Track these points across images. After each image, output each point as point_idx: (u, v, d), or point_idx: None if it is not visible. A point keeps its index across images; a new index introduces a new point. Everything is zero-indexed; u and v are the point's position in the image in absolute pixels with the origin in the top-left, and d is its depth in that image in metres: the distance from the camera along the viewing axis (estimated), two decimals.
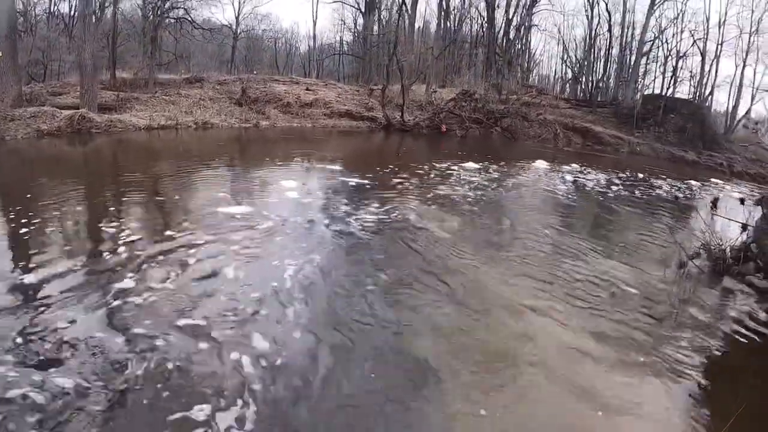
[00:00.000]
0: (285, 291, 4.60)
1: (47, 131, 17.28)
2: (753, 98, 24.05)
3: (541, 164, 13.53)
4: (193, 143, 16.18)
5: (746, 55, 23.39)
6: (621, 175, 13.55)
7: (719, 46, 23.70)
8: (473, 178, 10.75)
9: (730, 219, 7.29)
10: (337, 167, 11.10)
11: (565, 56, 26.21)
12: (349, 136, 17.26)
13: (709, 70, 24.04)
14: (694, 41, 24.21)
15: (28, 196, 7.35)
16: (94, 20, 19.84)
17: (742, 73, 23.74)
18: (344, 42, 22.24)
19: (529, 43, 25.12)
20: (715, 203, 10.53)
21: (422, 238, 6.33)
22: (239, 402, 3.14)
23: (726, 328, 4.75)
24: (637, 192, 11.37)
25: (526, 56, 24.69)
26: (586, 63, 24.35)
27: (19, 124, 16.90)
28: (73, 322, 3.84)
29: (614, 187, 11.70)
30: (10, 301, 4.09)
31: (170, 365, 3.41)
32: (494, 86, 20.48)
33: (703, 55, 24.04)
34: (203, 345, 3.66)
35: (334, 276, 5.01)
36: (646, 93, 25.17)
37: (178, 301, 4.27)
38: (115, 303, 4.15)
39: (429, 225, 6.96)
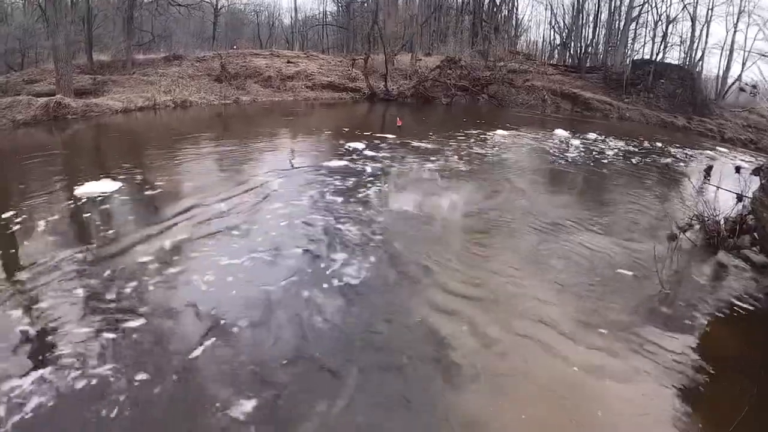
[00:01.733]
0: None
1: (23, 121, 16.85)
2: (744, 63, 23.68)
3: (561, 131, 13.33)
4: (172, 124, 15.81)
5: (737, 20, 22.96)
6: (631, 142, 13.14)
7: (710, 11, 23.24)
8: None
9: (724, 189, 6.86)
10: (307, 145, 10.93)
11: (553, 22, 25.70)
12: (331, 108, 16.91)
13: (700, 35, 23.60)
14: (684, 5, 23.70)
15: None
16: (69, 3, 19.28)
17: (733, 37, 23.33)
18: (328, 13, 21.72)
19: (516, 9, 24.60)
20: (708, 172, 10.13)
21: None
22: None
23: (718, 307, 4.39)
24: (635, 159, 11.08)
25: (513, 22, 24.17)
26: (574, 28, 23.85)
27: None
28: None
29: (610, 152, 11.50)
30: None
31: None
32: (480, 53, 20.06)
33: (693, 19, 23.57)
34: None
35: None
36: (635, 58, 24.76)
37: None
38: None
39: None
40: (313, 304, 4.01)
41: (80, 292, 4.18)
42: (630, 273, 4.82)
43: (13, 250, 5.00)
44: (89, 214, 6.00)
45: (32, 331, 3.63)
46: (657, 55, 24.88)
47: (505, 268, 4.79)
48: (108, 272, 4.50)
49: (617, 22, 24.75)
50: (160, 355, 3.38)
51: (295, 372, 3.25)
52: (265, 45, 20.26)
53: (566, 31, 24.48)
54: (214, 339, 3.56)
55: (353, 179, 7.56)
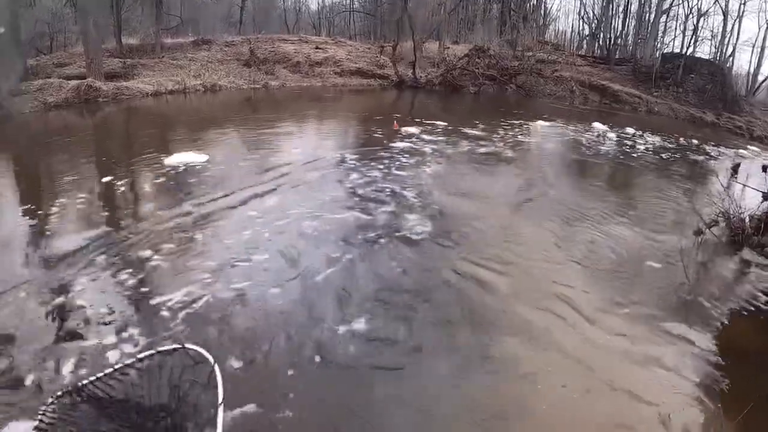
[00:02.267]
0: None
1: (54, 103, 17.12)
2: None
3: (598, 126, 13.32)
4: (204, 107, 16.03)
5: None
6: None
7: (742, 5, 22.67)
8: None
9: (750, 187, 6.83)
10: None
11: (582, 12, 25.30)
12: (361, 94, 16.95)
13: (731, 30, 23.05)
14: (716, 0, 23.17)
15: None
16: None
17: (765, 34, 22.77)
18: None
19: None
20: (735, 169, 10.06)
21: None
22: None
23: (740, 304, 4.44)
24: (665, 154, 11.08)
25: (542, 11, 23.85)
26: (603, 19, 23.47)
27: (26, 98, 16.73)
28: None
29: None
30: None
31: None
32: (509, 42, 19.87)
33: (725, 13, 23.03)
34: None
35: None
36: (665, 52, 24.28)
37: None
38: None
39: None
40: (388, 247, 5.06)
41: (209, 232, 5.15)
42: (654, 264, 4.96)
43: (132, 204, 6.04)
44: (191, 178, 6.89)
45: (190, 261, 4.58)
46: (687, 49, 24.38)
47: (536, 249, 5.12)
48: (224, 221, 5.46)
49: (647, 14, 24.28)
50: (287, 274, 4.39)
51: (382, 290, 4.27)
52: (291, 30, 20.27)
53: (595, 21, 24.11)
54: (318, 266, 4.56)
55: (416, 158, 8.41)
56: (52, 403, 2.36)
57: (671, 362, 3.48)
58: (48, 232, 5.11)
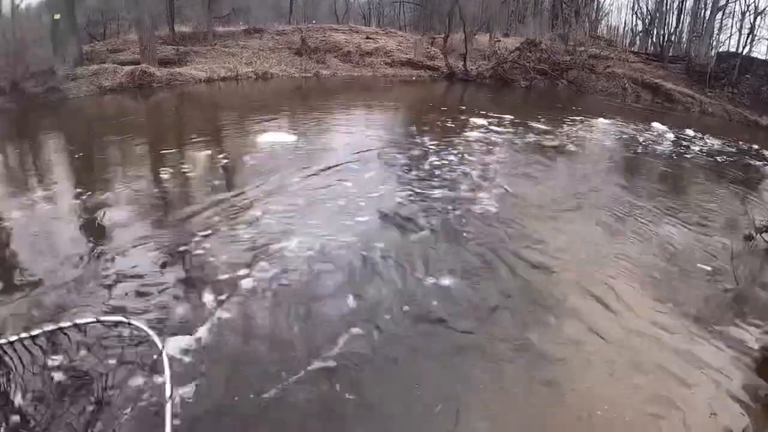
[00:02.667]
0: None
1: (109, 87, 17.75)
2: None
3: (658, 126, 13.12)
4: (257, 93, 16.40)
5: None
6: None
7: None
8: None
9: None
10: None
11: (636, 7, 24.60)
12: (413, 85, 17.00)
13: None
14: None
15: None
16: None
17: None
18: None
19: None
20: None
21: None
22: None
23: None
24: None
25: (595, 5, 23.32)
26: (657, 15, 22.78)
27: (82, 82, 17.39)
28: None
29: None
30: None
31: None
32: (560, 36, 19.53)
33: None
34: None
35: None
36: (720, 50, 23.41)
37: None
38: None
39: None
40: (463, 220, 5.80)
41: (311, 198, 6.02)
42: (703, 265, 5.08)
43: (239, 175, 6.94)
44: (287, 155, 7.82)
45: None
46: (743, 48, 23.46)
47: (586, 239, 5.44)
48: (323, 190, 6.34)
49: (703, 11, 23.45)
50: (379, 234, 5.21)
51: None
52: (341, 21, 20.40)
53: (649, 17, 23.43)
54: (408, 228, 5.39)
55: (487, 146, 9.01)
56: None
57: (715, 361, 3.57)
58: (172, 197, 6.02)
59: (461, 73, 17.56)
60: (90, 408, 2.21)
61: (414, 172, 7.23)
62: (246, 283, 4.10)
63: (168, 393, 2.02)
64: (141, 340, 2.29)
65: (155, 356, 2.16)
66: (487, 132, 10.06)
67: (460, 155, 8.22)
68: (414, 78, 17.67)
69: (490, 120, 11.10)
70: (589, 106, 15.12)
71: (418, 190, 6.49)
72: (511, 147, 9.16)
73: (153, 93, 17.02)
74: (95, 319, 2.27)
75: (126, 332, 2.26)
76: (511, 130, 10.41)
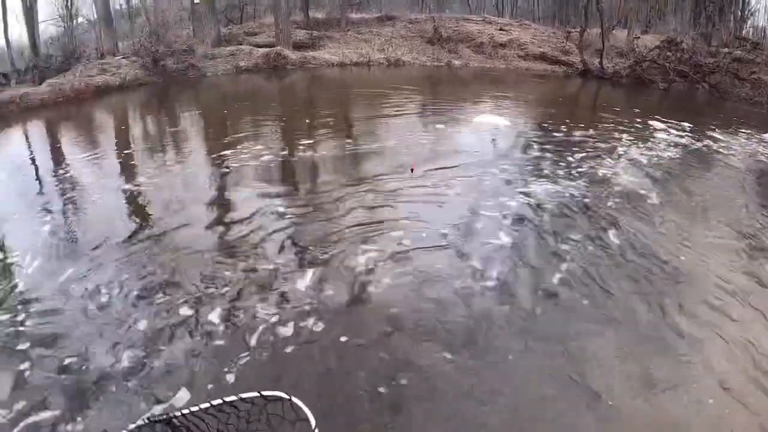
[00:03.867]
0: None
1: (245, 67, 19.46)
2: None
3: None
4: (388, 79, 17.40)
5: None
6: None
7: None
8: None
9: None
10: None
11: None
12: (544, 80, 17.20)
13: None
14: None
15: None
16: None
17: None
18: None
19: None
20: None
21: None
22: None
23: None
24: None
25: (741, 3, 21.79)
26: None
27: (219, 62, 19.20)
28: None
29: None
30: None
31: None
32: (703, 36, 18.66)
33: None
34: None
35: None
36: None
37: None
38: None
39: None
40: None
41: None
42: None
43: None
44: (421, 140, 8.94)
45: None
46: None
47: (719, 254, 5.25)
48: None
49: None
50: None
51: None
52: (474, 11, 20.72)
53: None
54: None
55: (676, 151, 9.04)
56: (139, 427, 2.34)
57: None
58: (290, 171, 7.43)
59: (596, 71, 17.49)
60: None
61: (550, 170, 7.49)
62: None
63: None
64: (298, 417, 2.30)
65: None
66: (666, 135, 9.87)
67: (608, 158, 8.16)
68: (547, 73, 17.82)
69: (668, 124, 10.81)
70: (745, 115, 14.57)
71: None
72: (700, 155, 8.82)
73: (287, 74, 18.57)
74: (258, 394, 2.31)
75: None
76: (693, 137, 9.99)
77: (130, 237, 5.45)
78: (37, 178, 7.82)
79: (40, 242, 5.39)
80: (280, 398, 2.30)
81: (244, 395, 2.31)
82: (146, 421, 2.34)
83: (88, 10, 21.67)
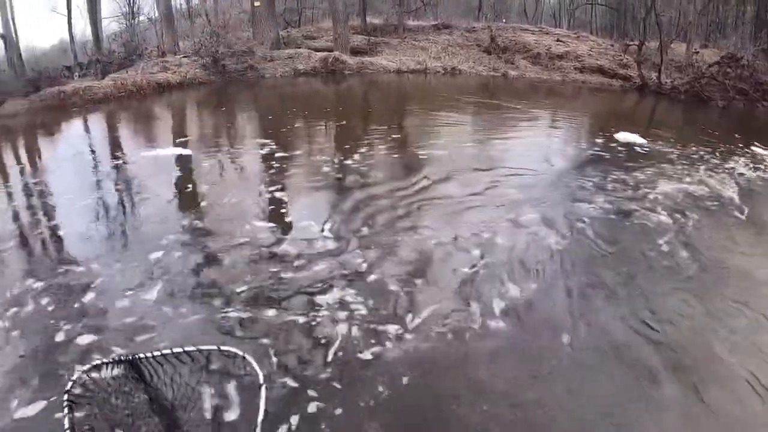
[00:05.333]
0: None
1: (303, 70, 20.08)
2: None
3: None
4: (444, 87, 17.77)
5: None
6: None
7: None
8: None
9: None
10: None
11: None
12: (603, 94, 17.40)
13: None
14: None
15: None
16: None
17: None
18: None
19: None
20: None
21: None
22: None
23: None
24: None
25: None
26: None
27: (278, 64, 19.86)
28: None
29: None
30: None
31: None
32: (764, 52, 18.48)
33: None
34: None
35: None
36: None
37: None
38: None
39: None
40: None
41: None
42: None
43: None
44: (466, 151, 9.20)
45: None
46: None
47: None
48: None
49: None
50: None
51: None
52: (531, 20, 20.92)
53: None
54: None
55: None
56: (102, 362, 2.44)
57: None
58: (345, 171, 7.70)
59: (654, 86, 17.58)
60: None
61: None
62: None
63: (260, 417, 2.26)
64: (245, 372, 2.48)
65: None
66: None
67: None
68: (604, 86, 18.02)
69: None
70: None
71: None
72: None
73: (344, 79, 19.17)
74: (216, 348, 2.48)
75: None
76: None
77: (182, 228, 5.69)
78: (95, 166, 8.46)
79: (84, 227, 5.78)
80: (235, 354, 2.47)
81: (202, 347, 2.50)
82: (112, 360, 2.47)
83: (150, 9, 22.56)
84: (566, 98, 16.77)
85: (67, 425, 2.09)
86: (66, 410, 2.14)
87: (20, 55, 16.32)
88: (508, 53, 19.03)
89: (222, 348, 2.50)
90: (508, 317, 4.16)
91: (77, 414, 2.20)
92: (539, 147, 9.81)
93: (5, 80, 15.14)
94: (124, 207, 6.61)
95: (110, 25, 22.82)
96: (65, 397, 2.20)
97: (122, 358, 2.50)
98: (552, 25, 20.95)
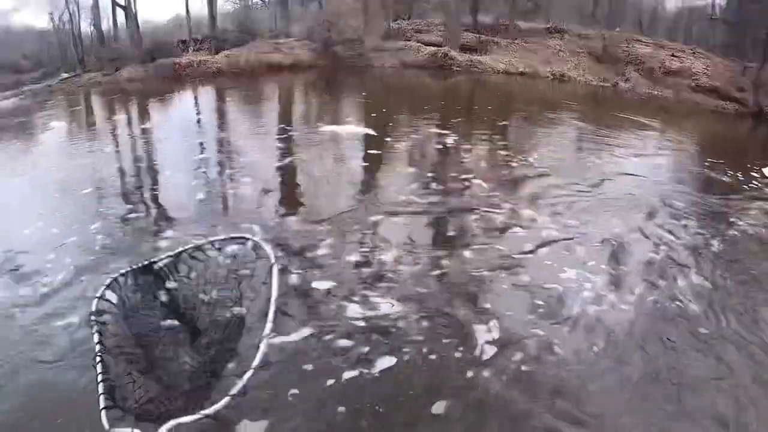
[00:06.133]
0: None
1: (411, 63, 20.70)
2: None
3: None
4: (552, 94, 17.81)
5: None
6: None
7: None
8: None
9: None
10: None
11: None
12: (712, 117, 17.27)
13: None
14: None
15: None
16: None
17: None
18: (716, 4, 20.95)
19: None
20: None
21: None
22: None
23: None
24: None
25: None
26: None
27: (386, 55, 20.60)
28: None
29: None
30: None
31: None
32: None
33: None
34: None
35: None
36: None
37: None
38: None
39: None
40: None
41: None
42: None
43: None
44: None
45: None
46: None
47: None
48: None
49: None
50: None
51: None
52: (644, 31, 20.88)
53: None
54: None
55: None
56: (121, 275, 2.50)
57: None
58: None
59: None
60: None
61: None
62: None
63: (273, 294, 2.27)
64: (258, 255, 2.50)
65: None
66: None
67: None
68: (717, 109, 17.94)
69: None
70: None
71: None
72: None
73: (452, 75, 19.85)
74: (227, 236, 2.54)
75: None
76: None
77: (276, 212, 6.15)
78: (202, 139, 9.23)
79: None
80: (245, 239, 2.53)
81: (213, 238, 2.61)
82: (130, 269, 2.56)
83: None
84: (686, 117, 16.76)
85: (96, 340, 2.16)
86: (94, 327, 2.23)
87: (138, 26, 17.74)
88: (619, 64, 19.21)
89: (232, 236, 2.64)
90: None
91: (105, 328, 2.26)
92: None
93: (124, 49, 16.66)
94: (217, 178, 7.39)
95: (225, 5, 24.50)
96: (91, 316, 2.27)
97: (139, 265, 2.60)
98: (667, 38, 20.77)
